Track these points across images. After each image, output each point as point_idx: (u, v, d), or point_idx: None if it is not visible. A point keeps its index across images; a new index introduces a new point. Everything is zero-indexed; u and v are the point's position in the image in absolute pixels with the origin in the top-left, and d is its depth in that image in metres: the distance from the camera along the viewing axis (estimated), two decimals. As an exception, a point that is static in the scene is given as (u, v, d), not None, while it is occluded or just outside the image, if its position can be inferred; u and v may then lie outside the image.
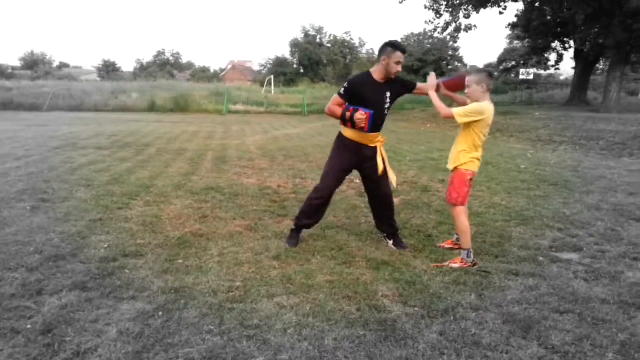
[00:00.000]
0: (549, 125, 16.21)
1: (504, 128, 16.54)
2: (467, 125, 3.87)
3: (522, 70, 36.26)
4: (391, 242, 4.39)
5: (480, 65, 62.32)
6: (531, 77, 36.02)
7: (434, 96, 4.01)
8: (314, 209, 4.30)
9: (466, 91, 3.94)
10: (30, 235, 4.36)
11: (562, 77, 51.48)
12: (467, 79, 3.87)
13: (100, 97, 27.54)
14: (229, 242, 4.36)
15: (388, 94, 4.05)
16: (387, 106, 4.09)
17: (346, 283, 3.51)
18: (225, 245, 4.27)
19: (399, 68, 3.93)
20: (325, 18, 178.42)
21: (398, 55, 3.89)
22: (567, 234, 4.89)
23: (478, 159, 3.99)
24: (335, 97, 4.05)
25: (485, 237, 4.72)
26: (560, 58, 30.60)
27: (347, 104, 4.03)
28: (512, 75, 45.30)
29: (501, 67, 49.25)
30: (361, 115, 3.89)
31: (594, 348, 2.70)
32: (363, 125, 3.93)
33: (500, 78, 48.74)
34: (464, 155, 3.94)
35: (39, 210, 5.23)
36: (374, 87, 3.99)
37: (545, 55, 31.88)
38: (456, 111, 3.81)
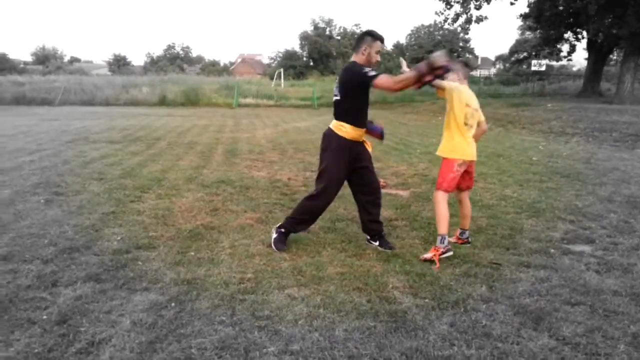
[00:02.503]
0: (561, 117, 16.06)
1: (516, 120, 16.41)
2: (448, 110, 3.92)
3: (533, 62, 35.99)
4: (377, 243, 4.18)
5: (492, 57, 61.83)
6: (543, 68, 35.73)
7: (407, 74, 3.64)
8: (309, 216, 4.11)
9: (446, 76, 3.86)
10: (44, 227, 4.42)
11: (574, 68, 50.93)
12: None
13: (111, 91, 27.73)
14: (240, 235, 4.38)
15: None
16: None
17: (357, 275, 3.53)
18: (236, 238, 4.30)
19: (379, 57, 3.86)
20: (335, 10, 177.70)
21: (378, 45, 3.83)
22: (579, 226, 4.86)
23: (464, 146, 3.88)
24: (381, 76, 3.56)
25: (496, 229, 4.71)
26: (572, 49, 30.22)
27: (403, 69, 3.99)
28: (524, 67, 44.92)
29: (513, 59, 48.84)
30: (435, 55, 3.28)
31: (605, 340, 2.69)
32: (444, 62, 3.25)
33: (511, 69, 48.34)
34: (448, 143, 3.93)
35: (52, 203, 5.30)
36: None
37: (558, 46, 31.47)
38: (442, 84, 3.85)
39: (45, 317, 2.81)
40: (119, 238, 4.20)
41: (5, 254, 3.73)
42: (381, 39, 3.87)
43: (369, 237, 4.25)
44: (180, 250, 3.96)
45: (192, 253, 3.91)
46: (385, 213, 5.23)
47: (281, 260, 3.79)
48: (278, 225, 4.16)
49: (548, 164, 8.63)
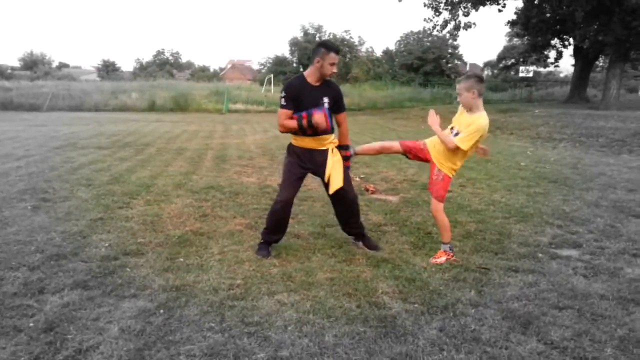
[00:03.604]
0: (548, 123, 16.22)
1: (504, 125, 16.55)
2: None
3: (521, 68, 36.28)
4: (361, 243, 4.28)
5: (480, 64, 62.32)
6: (531, 74, 36.04)
7: (438, 130, 3.81)
8: (277, 223, 4.08)
9: (458, 99, 3.87)
10: (31, 234, 4.38)
11: (561, 75, 51.48)
12: (457, 86, 3.82)
13: (100, 96, 27.55)
14: (229, 241, 4.37)
15: (325, 99, 3.87)
16: (326, 108, 3.89)
17: (346, 280, 3.53)
18: (225, 244, 4.28)
19: (334, 69, 3.78)
20: (325, 17, 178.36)
21: (332, 57, 3.74)
22: (567, 231, 4.90)
23: (457, 168, 4.02)
24: (281, 112, 3.82)
25: (485, 234, 4.74)
26: (559, 55, 30.64)
27: (295, 113, 3.82)
28: (512, 73, 45.33)
29: (501, 65, 49.31)
30: (318, 116, 3.70)
31: (593, 343, 2.71)
32: (325, 125, 3.75)
33: (499, 75, 48.77)
34: (454, 163, 3.94)
35: (39, 209, 5.25)
36: (309, 91, 3.82)
37: (545, 53, 31.87)
38: (458, 140, 3.72)
39: (31, 324, 2.78)
40: (107, 244, 4.17)
41: (-9, 261, 3.69)
42: (336, 50, 3.80)
43: (354, 238, 4.38)
44: (169, 256, 3.94)
45: (181, 259, 3.89)
46: (374, 218, 5.26)
47: (270, 266, 3.78)
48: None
49: (536, 169, 8.70)
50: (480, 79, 3.81)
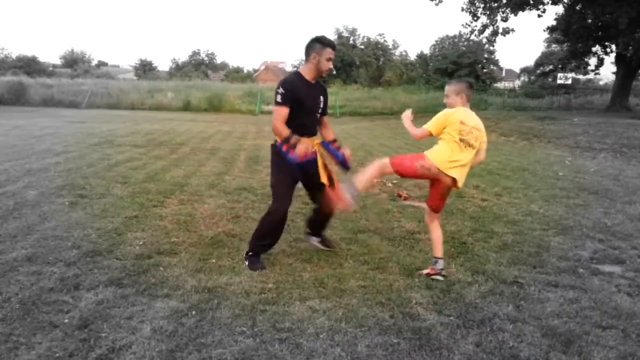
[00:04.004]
0: (588, 132, 15.74)
1: (541, 134, 16.15)
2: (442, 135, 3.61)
3: (560, 75, 35.49)
4: (317, 240, 4.26)
5: (517, 70, 61.16)
6: (569, 81, 35.20)
7: (407, 123, 3.68)
8: (271, 232, 3.89)
9: (445, 101, 3.69)
10: (68, 230, 4.46)
11: (601, 82, 50.03)
12: (447, 87, 3.68)
13: (137, 95, 28.21)
14: (261, 243, 4.35)
15: (321, 98, 3.83)
16: (320, 110, 3.86)
17: (379, 289, 3.47)
18: (257, 246, 4.26)
19: (330, 65, 3.68)
20: (359, 19, 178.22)
21: (328, 52, 3.64)
22: (609, 245, 4.71)
23: (447, 160, 3.55)
24: (278, 110, 3.66)
25: (522, 245, 4.59)
26: (600, 62, 29.70)
27: (293, 133, 3.64)
28: (550, 80, 44.32)
29: (538, 71, 48.21)
30: (304, 148, 3.58)
31: (640, 367, 2.58)
32: (299, 157, 3.58)
33: (536, 82, 47.72)
34: (435, 147, 3.66)
35: (77, 205, 5.35)
36: (308, 89, 3.72)
37: (585, 60, 31.00)
38: (427, 126, 3.58)
39: (66, 320, 2.81)
40: (141, 243, 4.21)
41: (29, 256, 3.77)
42: (332, 46, 3.69)
43: (309, 231, 4.29)
44: (202, 257, 3.95)
45: (214, 260, 3.89)
46: (407, 225, 5.17)
47: (302, 271, 3.74)
48: (245, 252, 3.94)
49: (575, 180, 8.44)
50: (470, 86, 3.71)
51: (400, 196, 6.55)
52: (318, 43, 3.67)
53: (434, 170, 3.56)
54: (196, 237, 4.46)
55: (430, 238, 3.89)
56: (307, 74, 3.75)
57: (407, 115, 3.76)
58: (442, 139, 3.61)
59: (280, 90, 3.64)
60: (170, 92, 29.24)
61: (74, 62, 64.18)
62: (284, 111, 3.64)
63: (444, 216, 5.59)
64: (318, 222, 4.23)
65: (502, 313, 3.15)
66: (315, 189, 3.94)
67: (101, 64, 77.54)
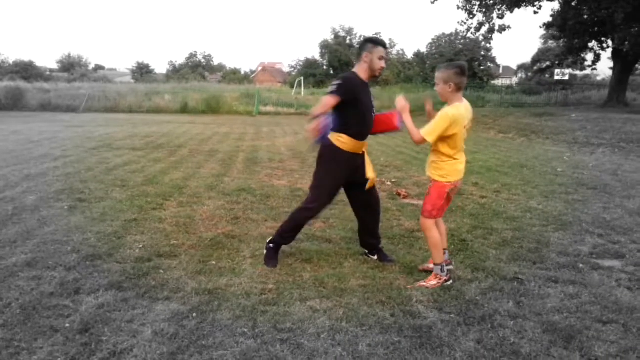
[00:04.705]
0: (586, 127, 15.76)
1: (539, 130, 16.16)
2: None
3: (557, 71, 35.39)
4: (375, 257, 4.09)
5: (514, 67, 61.17)
6: (566, 77, 35.12)
7: (408, 120, 3.54)
8: (299, 227, 3.98)
9: (435, 88, 3.54)
10: (68, 234, 4.45)
11: (598, 78, 50.07)
12: (436, 74, 3.48)
13: (134, 98, 28.14)
14: (261, 244, 4.34)
15: (372, 97, 3.83)
16: (374, 111, 3.81)
17: (379, 287, 3.47)
18: (257, 247, 4.27)
19: (383, 64, 3.68)
20: (356, 19, 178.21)
21: (380, 50, 3.64)
22: (608, 240, 4.72)
23: (458, 167, 3.54)
24: (327, 98, 3.54)
25: (522, 242, 4.60)
26: (597, 58, 29.65)
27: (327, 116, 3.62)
28: (547, 76, 44.32)
29: (535, 68, 48.26)
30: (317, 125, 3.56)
31: (641, 361, 2.58)
32: (314, 134, 3.59)
33: (534, 78, 47.75)
34: (439, 165, 3.52)
35: (76, 209, 5.35)
36: (363, 89, 3.69)
37: (582, 55, 30.97)
38: (424, 132, 3.36)
39: (67, 325, 2.81)
40: (140, 246, 4.21)
41: (29, 260, 3.77)
42: (383, 45, 3.70)
43: (366, 252, 4.16)
44: (202, 259, 3.95)
45: (214, 262, 3.89)
46: (407, 224, 5.17)
47: (302, 271, 3.75)
48: (268, 240, 4.00)
49: (574, 176, 8.45)
50: (461, 71, 3.38)
51: (399, 194, 6.55)
52: (370, 42, 3.68)
53: (459, 186, 3.63)
54: (196, 239, 4.46)
55: (429, 243, 3.69)
56: (362, 73, 3.71)
57: (404, 106, 3.57)
58: (435, 151, 3.54)
59: (337, 81, 3.62)
60: (167, 95, 29.17)
61: (70, 67, 64.16)
62: (333, 101, 3.54)
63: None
64: (367, 231, 4.10)
65: (502, 309, 3.16)
66: (360, 188, 3.90)
67: (98, 67, 77.62)
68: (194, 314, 2.98)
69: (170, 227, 4.79)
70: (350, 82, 3.64)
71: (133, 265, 3.76)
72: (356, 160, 3.80)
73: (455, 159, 3.52)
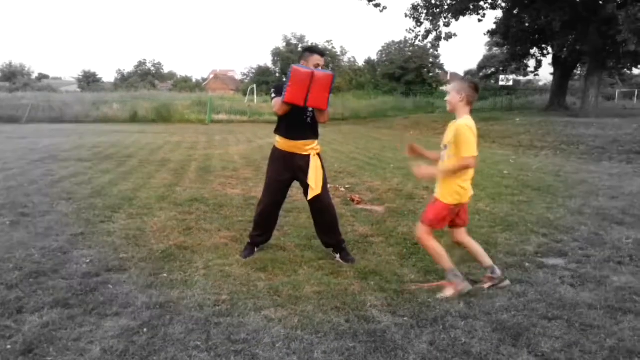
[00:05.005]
0: (529, 131, 16.42)
1: (486, 134, 16.70)
2: (452, 155, 3.52)
3: (501, 77, 36.81)
4: (338, 255, 4.22)
5: (461, 73, 62.98)
6: (510, 83, 36.54)
7: (441, 170, 3.57)
8: (261, 225, 4.32)
9: (446, 99, 3.63)
10: (9, 251, 4.25)
11: (540, 83, 52.30)
12: (449, 86, 3.56)
13: (81, 108, 27.20)
14: (214, 255, 4.29)
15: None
16: (309, 114, 4.02)
17: (334, 294, 3.48)
18: (210, 258, 4.21)
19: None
20: (307, 27, 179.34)
21: (316, 58, 3.96)
22: (552, 239, 4.92)
23: (464, 187, 3.55)
24: (275, 101, 3.95)
25: (471, 243, 4.72)
26: (539, 64, 31.06)
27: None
28: (492, 82, 45.91)
29: (481, 74, 49.87)
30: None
31: (583, 354, 2.70)
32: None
33: (480, 84, 49.37)
34: (448, 186, 3.53)
35: (18, 225, 5.11)
36: None
37: (524, 62, 32.31)
38: (464, 153, 3.41)
39: (9, 346, 2.67)
40: (88, 261, 4.07)
41: (-33, 280, 3.57)
42: (319, 52, 4.04)
43: (331, 250, 4.33)
44: (153, 272, 3.85)
45: (165, 275, 3.80)
46: (361, 229, 5.22)
47: (257, 280, 3.72)
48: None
49: (519, 177, 8.77)
50: (475, 87, 3.51)
51: (353, 200, 6.61)
52: (307, 51, 4.07)
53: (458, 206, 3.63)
54: (146, 251, 4.35)
55: (471, 253, 3.76)
56: None
57: (427, 174, 3.65)
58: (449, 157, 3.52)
59: (273, 90, 4.07)
60: (116, 104, 28.35)
61: (12, 76, 61.43)
62: (279, 100, 3.88)
63: (394, 218, 5.70)
64: (324, 232, 4.29)
65: (453, 310, 3.23)
66: (305, 195, 4.21)
67: (42, 76, 74.54)
68: (145, 329, 2.90)
69: (120, 240, 4.65)
70: (281, 87, 3.89)
71: (80, 280, 3.62)
72: (295, 160, 4.05)
73: (464, 181, 3.57)
